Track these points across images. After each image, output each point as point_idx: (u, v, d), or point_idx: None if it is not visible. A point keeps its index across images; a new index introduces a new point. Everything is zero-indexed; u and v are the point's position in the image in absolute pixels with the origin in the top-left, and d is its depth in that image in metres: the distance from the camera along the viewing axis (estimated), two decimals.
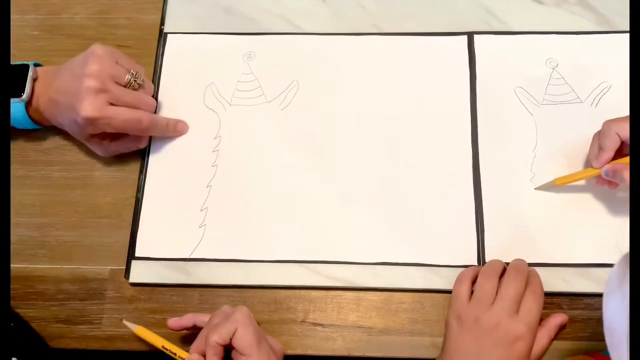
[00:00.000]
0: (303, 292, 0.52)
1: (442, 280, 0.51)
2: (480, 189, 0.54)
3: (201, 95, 0.58)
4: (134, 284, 0.52)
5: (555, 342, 0.48)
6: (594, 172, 0.50)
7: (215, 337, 0.44)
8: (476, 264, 0.51)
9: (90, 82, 0.49)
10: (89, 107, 0.49)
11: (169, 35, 0.61)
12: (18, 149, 0.58)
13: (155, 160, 0.56)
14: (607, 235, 0.51)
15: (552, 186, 0.52)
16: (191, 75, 0.59)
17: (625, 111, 0.55)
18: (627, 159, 0.48)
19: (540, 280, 0.48)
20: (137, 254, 0.53)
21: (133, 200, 0.55)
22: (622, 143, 0.48)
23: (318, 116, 0.57)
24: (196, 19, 0.61)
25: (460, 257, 0.52)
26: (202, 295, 0.52)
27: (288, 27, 0.61)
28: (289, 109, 0.57)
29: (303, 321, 0.51)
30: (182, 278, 0.52)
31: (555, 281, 0.50)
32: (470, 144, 0.55)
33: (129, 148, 0.55)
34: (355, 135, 0.56)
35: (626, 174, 0.47)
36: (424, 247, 0.52)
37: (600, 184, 0.51)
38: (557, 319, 0.48)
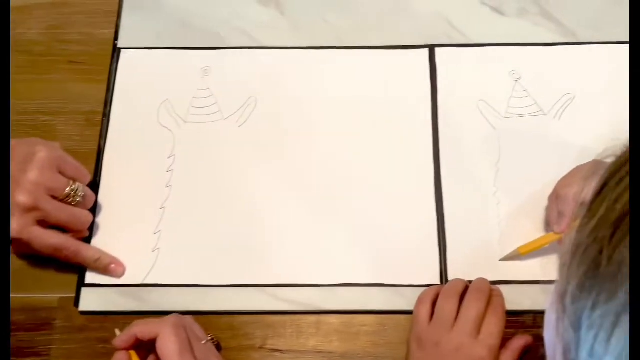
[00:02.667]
0: (261, 317, 0.50)
1: (405, 300, 0.49)
2: (443, 205, 0.52)
3: (155, 112, 0.56)
4: (84, 313, 0.50)
5: None
6: (557, 237, 0.49)
7: (137, 329, 0.43)
8: (439, 282, 0.50)
9: (22, 198, 0.45)
10: (14, 225, 0.45)
11: (122, 50, 0.59)
12: None
13: (107, 182, 0.54)
14: None
15: (517, 255, 0.50)
16: (145, 92, 0.57)
17: (588, 123, 0.55)
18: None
19: (502, 301, 0.47)
20: (87, 281, 0.50)
21: None
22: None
23: (277, 133, 0.55)
24: (151, 34, 0.60)
25: (422, 276, 0.50)
26: None
27: (246, 40, 0.59)
28: (247, 126, 0.55)
29: (261, 347, 0.49)
30: (135, 305, 0.50)
31: (521, 299, 0.49)
32: (432, 160, 0.54)
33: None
34: (314, 152, 0.54)
35: None
36: (386, 266, 0.50)
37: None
38: (520, 341, 0.47)
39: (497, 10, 0.60)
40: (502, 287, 0.48)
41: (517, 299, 0.49)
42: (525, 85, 0.57)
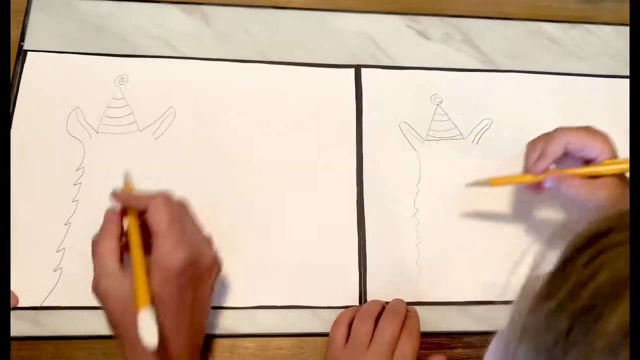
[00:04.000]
0: None
1: (323, 323, 0.49)
2: (364, 225, 0.52)
3: (64, 121, 0.52)
4: None
5: None
6: (532, 178, 0.48)
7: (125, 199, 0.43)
8: (358, 304, 0.50)
9: None
10: None
11: (29, 53, 0.55)
12: None
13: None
14: (486, 272, 0.52)
15: (485, 185, 0.49)
16: (53, 99, 0.53)
17: (505, 147, 0.57)
18: (571, 170, 0.47)
19: (417, 322, 0.47)
20: None
21: None
22: (564, 155, 0.47)
23: (195, 147, 0.53)
24: (63, 37, 0.56)
25: (341, 298, 0.50)
26: (56, 349, 0.46)
27: (167, 50, 0.57)
28: (164, 139, 0.53)
29: None
30: (31, 330, 0.46)
31: (436, 320, 0.50)
32: (355, 180, 0.54)
33: None
34: (235, 169, 0.53)
35: (571, 186, 0.45)
36: (304, 288, 0.49)
37: (535, 191, 0.50)
38: None
39: (422, 34, 0.61)
40: (418, 308, 0.49)
41: (432, 320, 0.50)
42: (446, 109, 0.58)
